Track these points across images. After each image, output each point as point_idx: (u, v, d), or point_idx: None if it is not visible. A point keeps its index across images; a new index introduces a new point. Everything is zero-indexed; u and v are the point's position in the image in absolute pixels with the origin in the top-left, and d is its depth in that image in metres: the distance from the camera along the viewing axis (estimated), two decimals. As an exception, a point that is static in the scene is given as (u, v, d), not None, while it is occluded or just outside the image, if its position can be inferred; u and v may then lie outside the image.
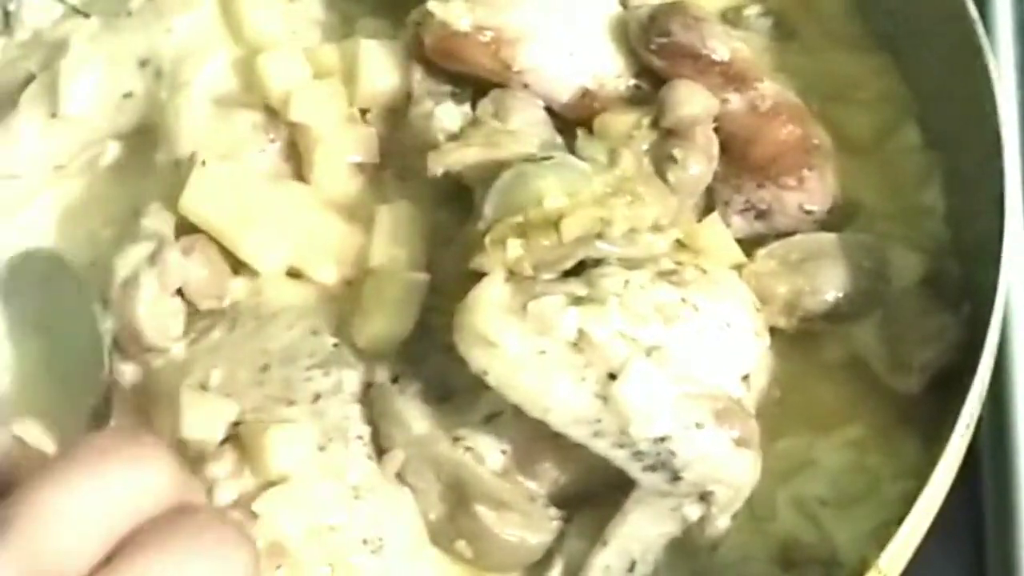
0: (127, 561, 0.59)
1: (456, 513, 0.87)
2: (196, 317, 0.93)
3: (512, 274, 0.83)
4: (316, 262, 0.93)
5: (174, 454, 0.64)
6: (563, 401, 0.81)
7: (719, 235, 0.90)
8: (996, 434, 0.93)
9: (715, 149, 0.91)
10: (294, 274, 0.94)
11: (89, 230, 1.01)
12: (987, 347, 0.82)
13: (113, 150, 1.03)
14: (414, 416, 0.87)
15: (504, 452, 0.87)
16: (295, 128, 0.95)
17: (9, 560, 0.58)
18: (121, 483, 0.61)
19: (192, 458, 0.86)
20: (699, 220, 0.91)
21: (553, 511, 0.87)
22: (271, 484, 0.84)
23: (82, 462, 0.61)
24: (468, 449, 0.86)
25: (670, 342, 0.82)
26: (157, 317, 0.91)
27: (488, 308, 0.82)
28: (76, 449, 0.62)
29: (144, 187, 0.98)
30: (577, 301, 0.82)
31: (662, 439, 0.80)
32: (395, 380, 0.89)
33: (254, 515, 0.83)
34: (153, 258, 0.91)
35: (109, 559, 0.60)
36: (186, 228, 0.93)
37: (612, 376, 0.80)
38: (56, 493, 0.60)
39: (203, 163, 0.93)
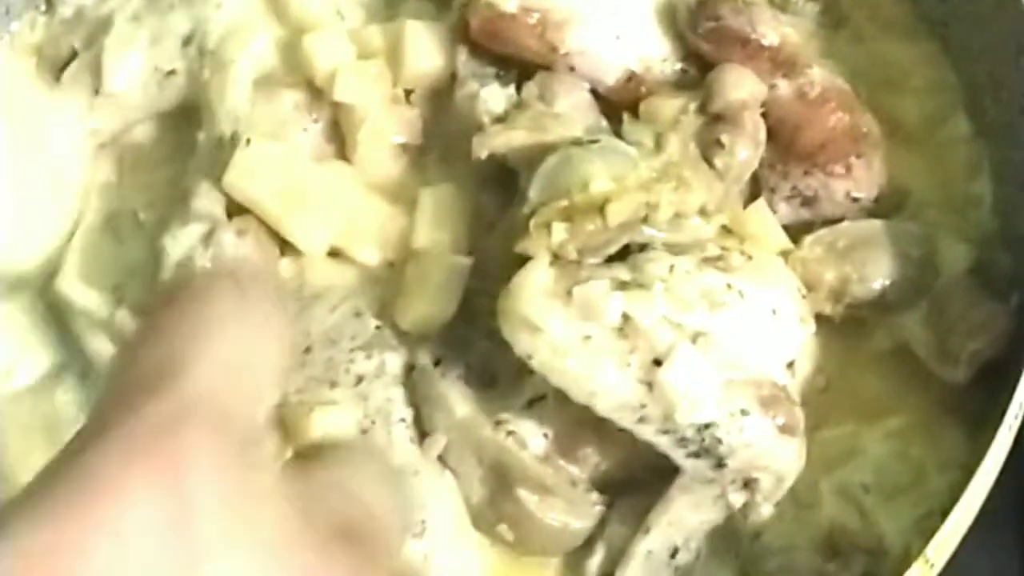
0: None
1: (498, 497, 0.86)
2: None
3: (557, 258, 0.82)
4: (359, 243, 0.93)
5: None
6: (608, 386, 0.80)
7: (765, 221, 0.89)
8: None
9: (762, 135, 0.90)
10: (337, 255, 0.93)
11: (131, 209, 1.01)
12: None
13: (154, 129, 1.02)
14: (456, 400, 0.87)
15: (546, 436, 0.86)
16: (339, 108, 0.95)
17: (200, 423, 0.57)
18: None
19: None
20: (745, 206, 0.90)
21: (595, 496, 0.87)
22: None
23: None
24: (510, 433, 0.86)
25: (715, 328, 0.82)
26: None
27: (533, 292, 0.81)
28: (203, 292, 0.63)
29: (186, 167, 0.98)
30: (622, 286, 0.81)
31: (707, 426, 0.80)
32: (437, 363, 0.88)
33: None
34: (207, 239, 0.90)
35: None
36: (230, 210, 0.93)
37: (657, 362, 0.80)
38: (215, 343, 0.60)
39: (248, 142, 0.93)
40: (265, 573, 0.56)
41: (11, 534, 0.53)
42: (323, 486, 0.63)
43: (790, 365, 0.84)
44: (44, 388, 0.96)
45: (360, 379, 0.88)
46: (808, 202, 0.92)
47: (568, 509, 0.86)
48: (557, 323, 0.81)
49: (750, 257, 0.85)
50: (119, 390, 0.59)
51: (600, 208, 0.83)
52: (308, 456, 0.72)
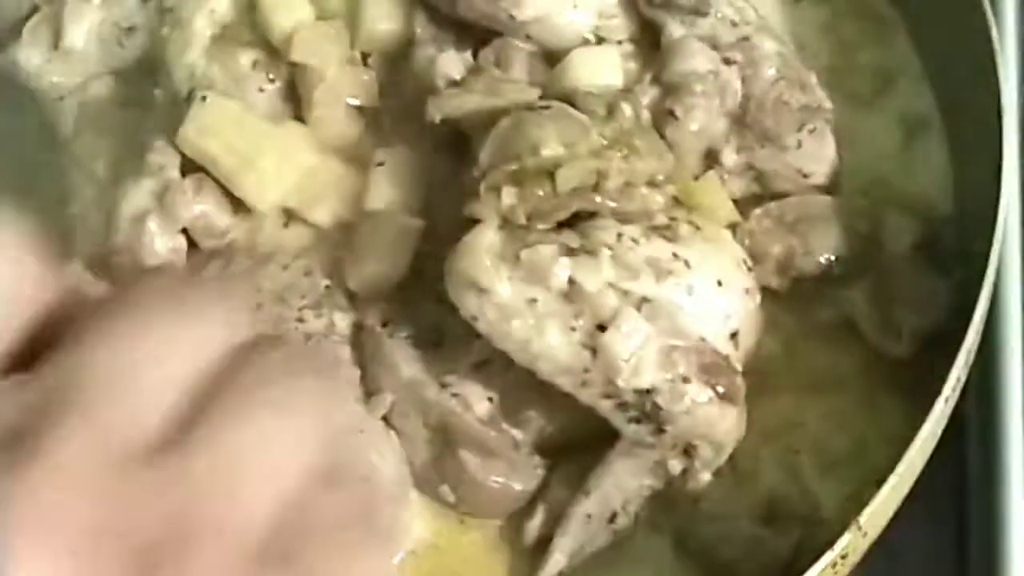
0: (220, 407, 0.53)
1: (441, 458, 0.87)
2: (191, 255, 0.93)
3: (506, 222, 0.83)
4: (312, 203, 0.93)
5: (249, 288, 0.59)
6: (552, 349, 0.81)
7: (715, 193, 0.90)
8: (983, 400, 0.93)
9: (716, 107, 0.91)
10: (290, 215, 0.94)
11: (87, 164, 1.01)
12: (975, 314, 0.82)
13: (112, 85, 1.02)
14: (403, 360, 0.87)
15: (491, 399, 0.87)
16: (295, 68, 0.95)
17: (73, 434, 0.51)
18: (191, 325, 0.54)
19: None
20: (696, 178, 0.90)
21: (537, 459, 0.88)
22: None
23: (143, 308, 0.54)
24: (455, 395, 0.87)
25: (661, 296, 0.82)
26: (163, 255, 0.91)
27: (480, 254, 0.82)
28: (130, 293, 0.56)
29: (142, 123, 0.98)
30: (569, 252, 0.82)
31: (647, 391, 0.80)
32: (385, 324, 0.89)
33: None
34: (162, 195, 0.91)
35: (203, 408, 0.53)
36: (185, 168, 0.93)
37: (601, 327, 0.81)
38: (117, 348, 0.53)
39: (203, 98, 0.93)
40: None
41: None
42: None
43: (734, 335, 0.85)
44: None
45: (308, 337, 0.88)
46: (759, 176, 0.92)
47: (510, 471, 0.87)
48: (503, 285, 0.81)
49: (698, 228, 0.86)
50: None
51: (550, 174, 0.84)
52: None
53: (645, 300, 0.82)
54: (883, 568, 0.89)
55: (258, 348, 0.56)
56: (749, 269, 0.87)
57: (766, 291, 0.89)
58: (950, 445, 0.86)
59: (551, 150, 0.85)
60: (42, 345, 0.55)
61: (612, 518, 0.85)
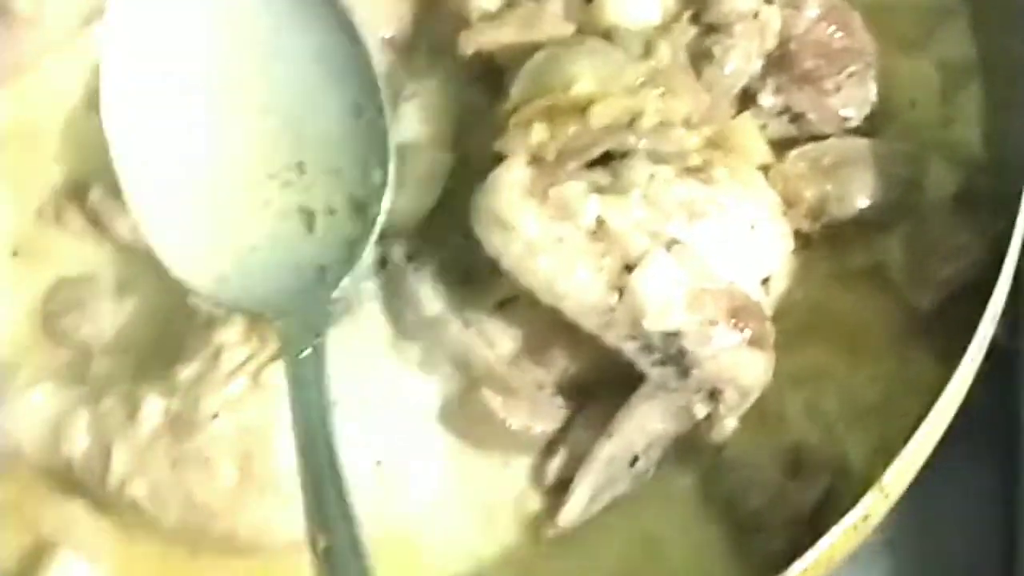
0: None
1: (463, 396, 0.86)
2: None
3: (535, 158, 0.82)
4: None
5: None
6: (577, 289, 0.80)
7: (750, 134, 0.88)
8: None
9: (755, 48, 0.89)
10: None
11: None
12: (1006, 268, 0.80)
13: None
14: (426, 296, 0.86)
15: (515, 339, 0.85)
16: (329, 0, 0.93)
17: None
18: None
19: (202, 323, 0.86)
20: (732, 119, 0.89)
21: (560, 400, 0.86)
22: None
23: None
24: (479, 334, 0.85)
25: (691, 238, 0.81)
26: None
27: (507, 191, 0.81)
28: None
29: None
30: (599, 190, 0.81)
31: (674, 334, 0.79)
32: (410, 259, 0.87)
33: (260, 384, 0.83)
34: None
35: None
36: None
37: (629, 267, 0.79)
38: None
39: None
40: None
41: None
42: None
43: (765, 281, 0.84)
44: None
45: None
46: (797, 118, 0.90)
47: (532, 411, 0.85)
48: (530, 222, 0.80)
49: (733, 170, 0.84)
50: None
51: (583, 110, 0.83)
52: None
53: (675, 242, 0.80)
54: (928, 509, 0.89)
55: None
56: (783, 214, 0.85)
57: (798, 235, 0.87)
58: (998, 382, 0.84)
59: (585, 86, 0.83)
60: None
61: (633, 462, 0.83)
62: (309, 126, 0.84)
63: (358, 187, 0.82)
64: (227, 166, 0.80)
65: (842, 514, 0.76)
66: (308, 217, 0.82)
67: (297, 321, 0.76)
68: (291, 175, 0.83)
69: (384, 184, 0.83)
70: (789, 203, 0.87)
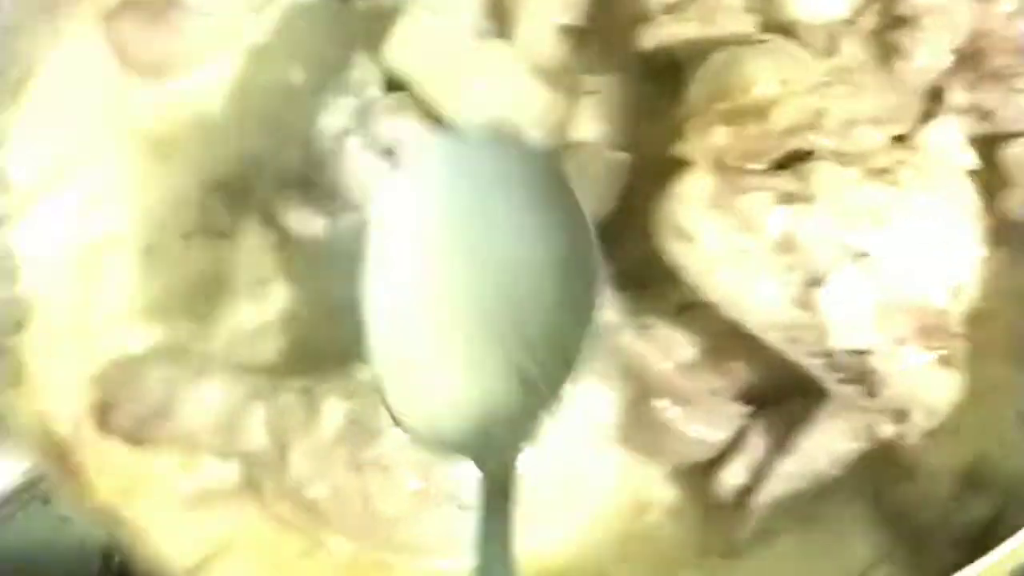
0: None
1: (635, 404, 0.85)
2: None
3: (716, 164, 0.79)
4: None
5: None
6: (762, 304, 0.78)
7: (943, 133, 0.84)
8: None
9: (947, 42, 0.86)
10: (492, 138, 0.91)
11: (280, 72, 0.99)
12: None
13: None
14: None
15: (694, 345, 0.84)
16: (501, -17, 0.91)
17: None
18: None
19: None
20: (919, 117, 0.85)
21: (735, 408, 0.84)
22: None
23: None
24: (654, 340, 0.83)
25: (879, 248, 0.79)
26: (363, 175, 0.89)
27: (690, 201, 0.79)
28: None
29: (341, 33, 0.96)
30: (783, 198, 0.78)
31: (861, 352, 0.77)
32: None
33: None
34: (362, 115, 0.88)
35: None
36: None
37: (815, 282, 0.77)
38: None
39: (408, 14, 0.90)
40: None
41: None
42: None
43: (956, 292, 0.81)
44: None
45: None
46: (987, 115, 0.87)
47: (707, 419, 0.84)
48: (713, 234, 0.78)
49: (923, 171, 0.81)
50: None
51: (765, 112, 0.80)
52: None
53: (862, 253, 0.78)
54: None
55: None
56: (978, 219, 0.82)
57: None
58: None
59: (766, 88, 0.81)
60: None
61: (814, 478, 0.82)
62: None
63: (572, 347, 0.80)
64: (457, 330, 0.79)
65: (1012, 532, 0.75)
66: (523, 375, 0.80)
67: (493, 461, 0.75)
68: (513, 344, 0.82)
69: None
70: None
